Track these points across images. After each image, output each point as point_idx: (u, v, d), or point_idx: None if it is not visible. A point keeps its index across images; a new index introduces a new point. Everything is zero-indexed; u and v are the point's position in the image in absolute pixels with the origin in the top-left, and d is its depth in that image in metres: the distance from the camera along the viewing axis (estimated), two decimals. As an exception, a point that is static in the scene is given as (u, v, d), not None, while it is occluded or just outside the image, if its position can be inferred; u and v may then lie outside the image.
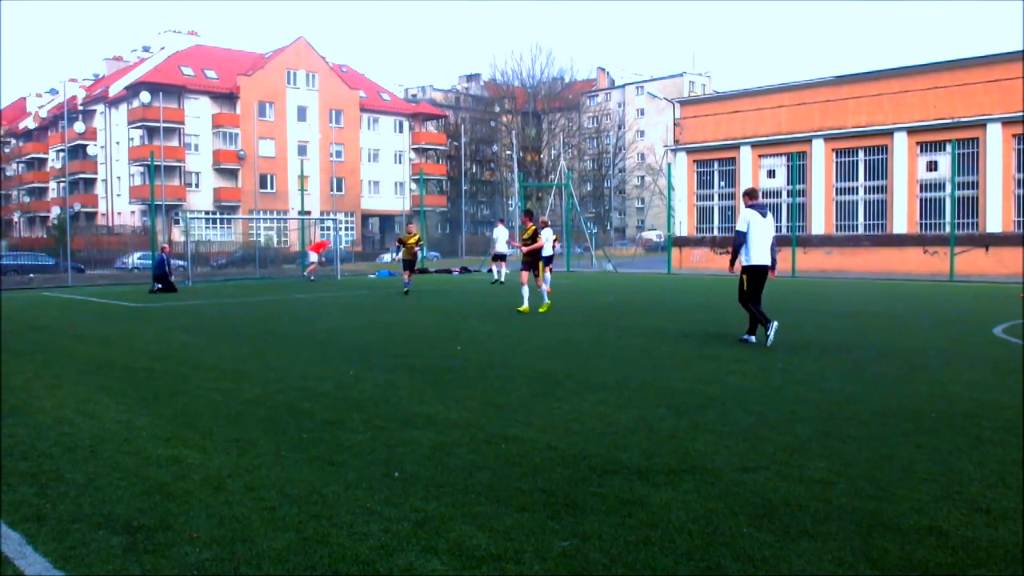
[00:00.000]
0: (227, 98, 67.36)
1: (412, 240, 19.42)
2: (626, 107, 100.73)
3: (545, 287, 15.21)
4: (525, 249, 15.05)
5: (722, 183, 36.08)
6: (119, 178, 69.24)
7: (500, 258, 24.48)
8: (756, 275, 10.13)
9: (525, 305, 14.41)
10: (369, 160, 76.37)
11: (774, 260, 10.24)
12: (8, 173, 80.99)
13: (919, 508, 3.98)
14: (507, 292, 20.31)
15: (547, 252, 22.35)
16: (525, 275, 14.79)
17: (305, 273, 28.76)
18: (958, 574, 3.25)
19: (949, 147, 28.26)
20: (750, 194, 10.51)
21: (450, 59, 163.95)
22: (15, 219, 79.97)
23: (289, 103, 69.62)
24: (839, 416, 6.02)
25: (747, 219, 10.09)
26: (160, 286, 21.80)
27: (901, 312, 14.84)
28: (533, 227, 15.20)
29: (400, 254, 20.18)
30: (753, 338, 10.23)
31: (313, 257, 29.18)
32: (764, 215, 10.15)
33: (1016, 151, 28.02)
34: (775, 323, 9.96)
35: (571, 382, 7.50)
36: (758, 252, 10.05)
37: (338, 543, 3.57)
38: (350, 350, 9.95)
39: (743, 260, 10.21)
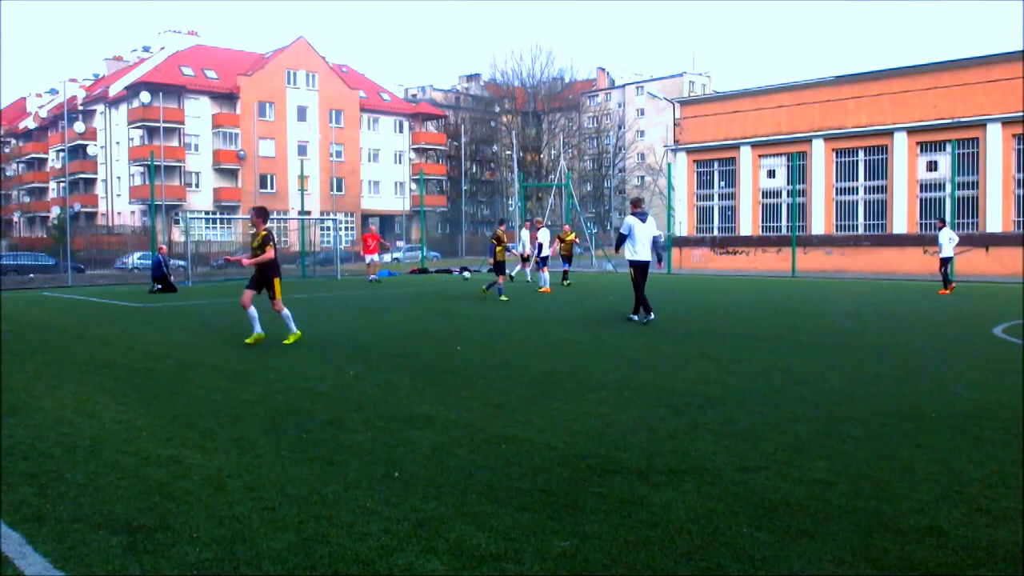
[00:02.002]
0: (227, 98, 67.35)
1: (571, 237, 18.96)
2: (626, 107, 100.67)
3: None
4: (247, 262, 10.55)
5: (722, 183, 36.08)
6: (119, 178, 69.23)
7: (525, 260, 25.33)
8: (638, 267, 12.60)
9: (256, 332, 10.30)
10: (369, 160, 76.35)
11: (659, 256, 12.90)
12: (8, 173, 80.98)
13: (919, 508, 3.98)
14: (508, 293, 20.30)
15: (544, 253, 22.40)
16: (249, 295, 10.30)
17: (370, 277, 26.38)
18: (958, 574, 3.25)
19: (949, 147, 28.27)
20: (635, 203, 13.12)
21: (450, 59, 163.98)
22: (15, 219, 79.98)
23: (289, 103, 69.61)
24: (839, 416, 6.02)
25: (629, 224, 12.65)
26: (159, 287, 21.80)
27: (901, 312, 14.84)
28: (264, 232, 10.41)
29: (559, 249, 18.86)
30: (636, 317, 12.65)
31: (369, 257, 26.78)
32: (644, 220, 12.60)
33: (1016, 151, 28.02)
34: (652, 316, 12.56)
35: (571, 382, 7.50)
36: (639, 250, 12.54)
37: (338, 543, 3.57)
38: (350, 350, 9.95)
39: (628, 256, 12.69)
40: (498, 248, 18.47)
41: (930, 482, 4.40)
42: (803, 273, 29.37)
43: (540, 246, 22.56)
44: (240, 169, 67.27)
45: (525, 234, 25.62)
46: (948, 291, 19.24)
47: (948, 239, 19.72)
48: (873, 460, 4.83)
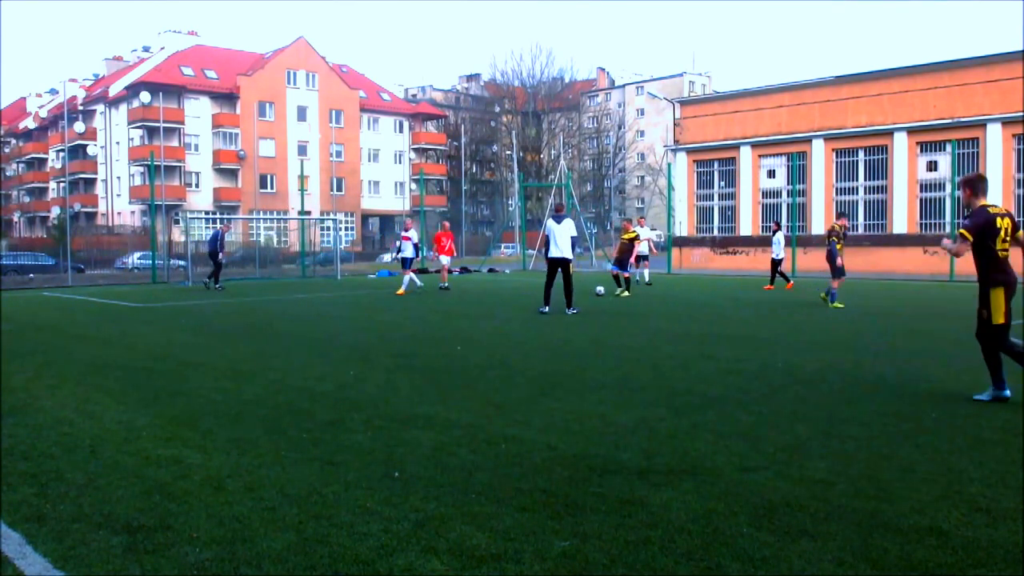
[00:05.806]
0: (227, 98, 67.34)
1: (630, 235, 18.58)
2: (626, 107, 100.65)
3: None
4: None
5: (722, 183, 36.07)
6: (119, 178, 69.22)
7: (644, 258, 22.53)
8: (553, 264, 14.27)
9: None
10: (369, 160, 76.33)
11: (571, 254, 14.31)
12: (8, 173, 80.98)
13: (919, 508, 3.98)
14: (508, 293, 20.27)
15: (407, 254, 20.57)
16: None
17: (443, 284, 21.61)
18: (958, 574, 3.25)
19: (949, 147, 28.26)
20: (556, 207, 15.10)
21: (450, 59, 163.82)
22: (15, 219, 79.96)
23: (289, 103, 69.60)
24: (839, 416, 6.02)
25: (549, 227, 14.29)
26: (216, 285, 22.05)
27: (901, 312, 14.84)
28: None
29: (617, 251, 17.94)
30: (547, 308, 14.22)
31: (442, 260, 22.12)
32: (559, 222, 14.15)
33: (1016, 151, 28.02)
34: (547, 308, 14.28)
35: (571, 382, 7.50)
36: (553, 248, 14.16)
37: (338, 543, 3.57)
38: (350, 350, 9.95)
39: (548, 253, 14.39)
40: (839, 246, 16.24)
41: (930, 482, 4.40)
42: (803, 273, 29.35)
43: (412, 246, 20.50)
44: (240, 169, 67.25)
45: (645, 231, 22.74)
46: (789, 287, 20.96)
47: (782, 241, 21.56)
48: (873, 460, 4.83)
